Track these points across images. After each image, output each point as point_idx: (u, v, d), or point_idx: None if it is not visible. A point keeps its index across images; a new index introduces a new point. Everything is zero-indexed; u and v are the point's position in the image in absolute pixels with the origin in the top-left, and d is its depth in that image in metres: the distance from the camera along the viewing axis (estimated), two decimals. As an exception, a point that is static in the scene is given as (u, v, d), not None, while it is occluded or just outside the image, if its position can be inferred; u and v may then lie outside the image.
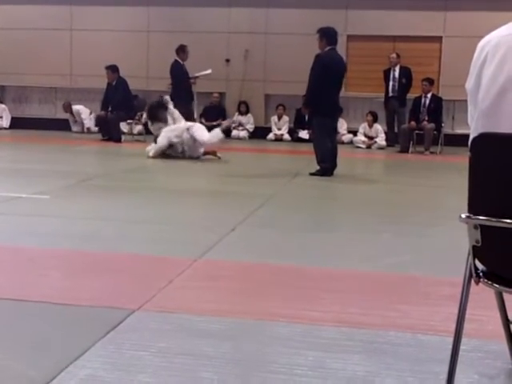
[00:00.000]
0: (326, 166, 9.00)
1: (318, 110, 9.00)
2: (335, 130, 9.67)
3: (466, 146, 2.17)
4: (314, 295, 3.61)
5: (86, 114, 15.70)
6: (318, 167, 9.05)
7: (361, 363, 2.69)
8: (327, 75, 8.83)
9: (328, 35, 9.13)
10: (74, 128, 15.89)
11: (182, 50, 12.99)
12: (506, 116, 2.14)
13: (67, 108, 15.83)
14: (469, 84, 2.31)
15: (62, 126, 15.74)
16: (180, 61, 12.98)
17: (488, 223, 2.09)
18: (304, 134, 14.41)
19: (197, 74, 13.08)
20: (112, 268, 4.07)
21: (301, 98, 10.93)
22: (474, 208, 2.14)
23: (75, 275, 3.89)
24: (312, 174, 8.98)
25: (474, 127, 2.28)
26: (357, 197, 7.45)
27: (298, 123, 14.81)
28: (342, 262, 4.37)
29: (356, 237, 5.26)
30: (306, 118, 13.09)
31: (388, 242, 5.06)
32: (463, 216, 2.13)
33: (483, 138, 2.11)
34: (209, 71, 13.14)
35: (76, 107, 15.76)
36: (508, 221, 2.02)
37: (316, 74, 8.92)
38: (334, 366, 2.66)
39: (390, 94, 14.25)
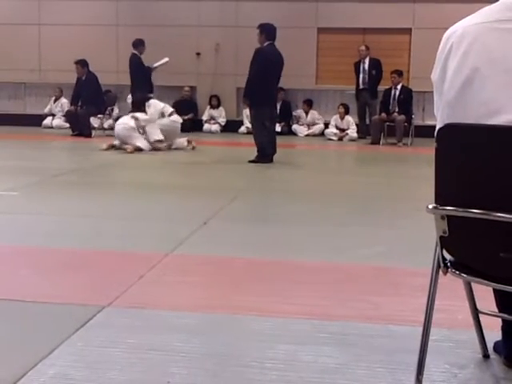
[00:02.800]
0: (265, 153, 9.54)
1: (256, 100, 9.48)
2: (274, 119, 10.13)
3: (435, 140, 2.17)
4: (286, 288, 3.61)
5: (64, 111, 15.43)
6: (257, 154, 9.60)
7: (332, 355, 2.69)
8: (267, 68, 9.36)
9: (267, 31, 9.61)
10: (47, 121, 15.69)
11: (141, 44, 13.05)
12: (471, 106, 2.14)
13: (59, 93, 15.70)
14: (434, 74, 2.31)
15: (32, 121, 15.55)
16: (138, 53, 13.02)
17: (454, 213, 2.09)
18: (276, 126, 14.39)
19: (155, 65, 13.14)
20: (82, 264, 4.03)
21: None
22: (440, 198, 2.14)
23: (44, 272, 3.85)
24: (251, 162, 9.44)
25: (439, 118, 2.29)
26: (329, 189, 7.46)
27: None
28: (314, 255, 4.37)
29: (328, 229, 5.27)
30: (278, 110, 13.12)
31: (359, 234, 5.07)
32: (430, 207, 2.13)
33: (449, 128, 2.11)
34: (166, 60, 13.17)
35: (65, 100, 15.59)
36: (474, 211, 2.03)
37: (256, 67, 9.41)
38: (306, 359, 2.66)
39: (361, 87, 14.28)
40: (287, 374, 2.51)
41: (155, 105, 11.36)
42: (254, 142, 9.68)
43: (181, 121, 11.60)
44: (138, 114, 11.07)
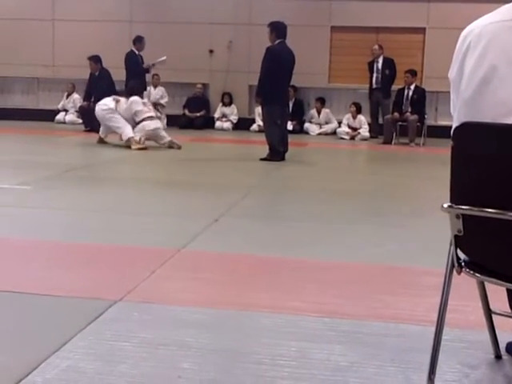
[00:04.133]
0: (276, 151, 9.55)
1: (268, 98, 9.51)
2: (286, 117, 10.17)
3: (450, 137, 2.16)
4: (297, 286, 3.61)
5: (76, 106, 15.51)
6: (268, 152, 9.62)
7: (344, 353, 2.69)
8: (277, 67, 9.38)
9: (278, 29, 9.63)
10: (60, 116, 15.77)
11: (138, 41, 13.31)
12: (488, 105, 2.13)
13: (71, 88, 15.77)
14: (452, 73, 2.30)
15: (44, 116, 15.61)
16: (136, 51, 13.25)
17: (470, 213, 2.08)
18: (288, 124, 14.37)
19: (153, 62, 13.36)
20: (94, 259, 4.05)
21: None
22: (456, 197, 2.14)
23: (57, 266, 3.86)
24: (263, 160, 9.46)
25: (456, 116, 2.28)
26: (341, 187, 7.45)
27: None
28: (326, 253, 4.37)
29: (340, 227, 5.26)
30: (290, 109, 13.14)
31: (371, 233, 5.06)
32: (445, 205, 2.13)
33: (465, 127, 2.10)
34: (164, 58, 13.26)
35: (77, 96, 15.66)
36: (489, 210, 2.01)
37: (266, 66, 9.46)
38: (317, 357, 2.65)
39: (374, 86, 14.23)
40: (299, 371, 2.51)
41: (136, 101, 11.06)
42: (266, 139, 9.69)
43: (152, 127, 10.80)
44: (122, 98, 11.07)
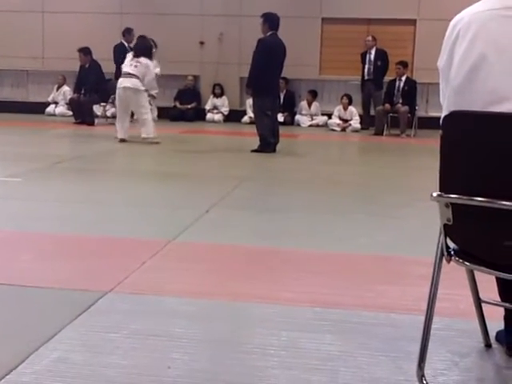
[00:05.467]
0: (267, 142, 9.56)
1: (259, 90, 9.52)
2: (276, 109, 10.18)
3: (440, 128, 2.16)
4: (288, 276, 3.61)
5: (66, 98, 15.45)
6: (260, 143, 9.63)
7: (334, 343, 2.69)
8: (268, 58, 9.39)
9: (271, 20, 9.61)
10: (50, 108, 15.70)
11: (128, 33, 13.46)
12: (478, 94, 2.13)
13: (62, 81, 15.72)
14: (441, 61, 2.30)
15: (34, 109, 15.54)
16: (125, 43, 13.35)
17: (459, 201, 2.08)
18: (279, 116, 14.35)
19: None
20: (85, 250, 4.04)
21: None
22: (445, 186, 2.14)
23: (47, 258, 3.85)
24: (254, 151, 9.48)
25: (445, 105, 2.28)
26: (331, 178, 7.45)
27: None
28: (316, 243, 4.37)
29: (330, 218, 5.26)
30: (281, 100, 13.12)
31: (362, 223, 5.07)
32: (434, 194, 2.13)
33: (454, 115, 2.10)
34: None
35: (67, 88, 15.57)
36: (478, 199, 2.02)
37: (258, 57, 9.45)
38: (308, 346, 2.66)
39: (366, 77, 14.21)
40: (289, 361, 2.51)
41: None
42: (257, 131, 9.69)
43: (123, 85, 10.27)
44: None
